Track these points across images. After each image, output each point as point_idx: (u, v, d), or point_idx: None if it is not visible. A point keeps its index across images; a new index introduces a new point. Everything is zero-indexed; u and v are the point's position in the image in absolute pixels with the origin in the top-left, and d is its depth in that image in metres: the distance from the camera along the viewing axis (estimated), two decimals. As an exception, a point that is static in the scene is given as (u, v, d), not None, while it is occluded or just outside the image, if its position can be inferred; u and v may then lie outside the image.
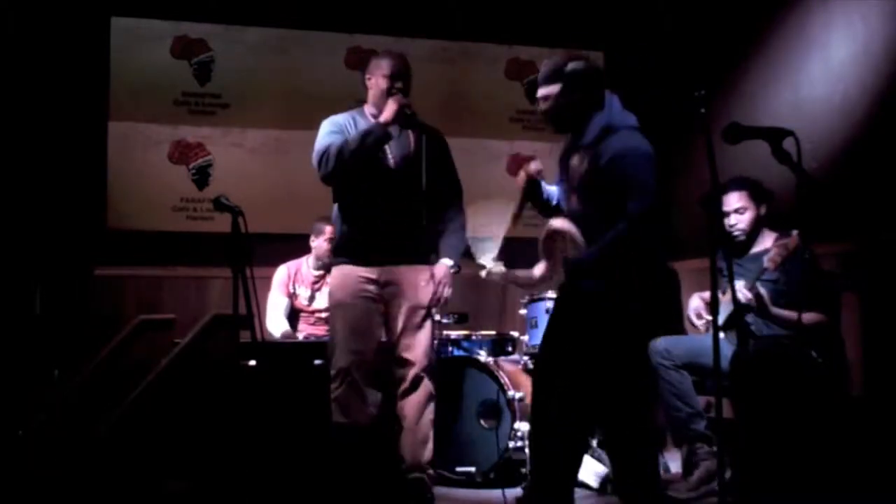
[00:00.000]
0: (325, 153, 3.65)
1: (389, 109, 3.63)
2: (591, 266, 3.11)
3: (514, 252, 3.30)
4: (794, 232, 3.74)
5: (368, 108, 3.82)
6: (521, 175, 3.31)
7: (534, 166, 3.30)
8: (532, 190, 3.32)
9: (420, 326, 3.73)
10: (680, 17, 5.62)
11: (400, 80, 3.72)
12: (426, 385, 3.72)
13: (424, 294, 3.72)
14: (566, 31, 6.07)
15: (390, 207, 3.70)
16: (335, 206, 3.83)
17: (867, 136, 4.30)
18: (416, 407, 3.71)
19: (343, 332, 3.69)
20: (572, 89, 3.19)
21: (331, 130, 3.74)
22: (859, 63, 4.38)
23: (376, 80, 3.75)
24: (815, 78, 4.64)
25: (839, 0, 4.56)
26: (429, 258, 3.79)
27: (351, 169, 3.63)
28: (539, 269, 3.23)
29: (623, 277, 3.14)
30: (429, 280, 3.72)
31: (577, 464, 3.44)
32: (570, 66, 3.21)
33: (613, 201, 3.10)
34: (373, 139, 3.62)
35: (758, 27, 5.06)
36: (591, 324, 3.16)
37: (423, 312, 3.73)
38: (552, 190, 3.38)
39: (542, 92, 3.27)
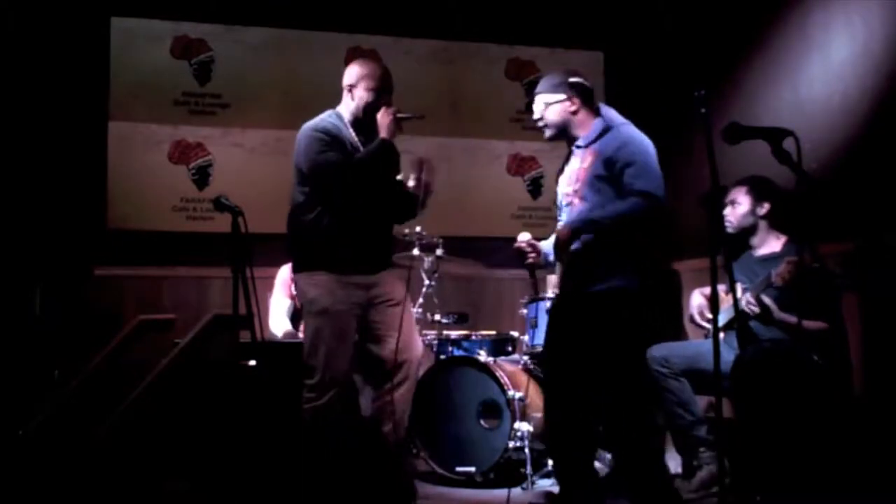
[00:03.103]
0: (332, 168, 3.58)
1: (388, 127, 3.59)
2: (602, 226, 3.26)
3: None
4: (805, 250, 3.74)
5: (348, 115, 3.71)
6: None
7: (522, 238, 3.46)
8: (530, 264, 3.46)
9: (409, 323, 3.76)
10: (680, 17, 5.61)
11: (386, 94, 3.66)
12: (415, 377, 3.76)
13: (401, 291, 3.74)
14: (566, 31, 6.09)
15: (377, 215, 3.71)
16: (310, 214, 3.65)
17: (867, 136, 4.29)
18: (405, 399, 3.71)
19: (333, 341, 3.59)
20: (572, 100, 3.41)
21: (327, 143, 3.63)
22: (859, 63, 4.37)
23: (361, 93, 3.66)
24: (815, 78, 4.64)
25: (839, 0, 4.55)
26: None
27: (362, 185, 3.61)
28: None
29: (631, 280, 3.29)
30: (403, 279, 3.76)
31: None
32: (572, 79, 3.43)
33: (617, 190, 3.27)
34: (384, 158, 3.60)
35: (758, 27, 5.05)
36: (602, 326, 3.29)
37: (406, 309, 3.74)
38: (547, 248, 3.48)
39: (543, 100, 3.45)
